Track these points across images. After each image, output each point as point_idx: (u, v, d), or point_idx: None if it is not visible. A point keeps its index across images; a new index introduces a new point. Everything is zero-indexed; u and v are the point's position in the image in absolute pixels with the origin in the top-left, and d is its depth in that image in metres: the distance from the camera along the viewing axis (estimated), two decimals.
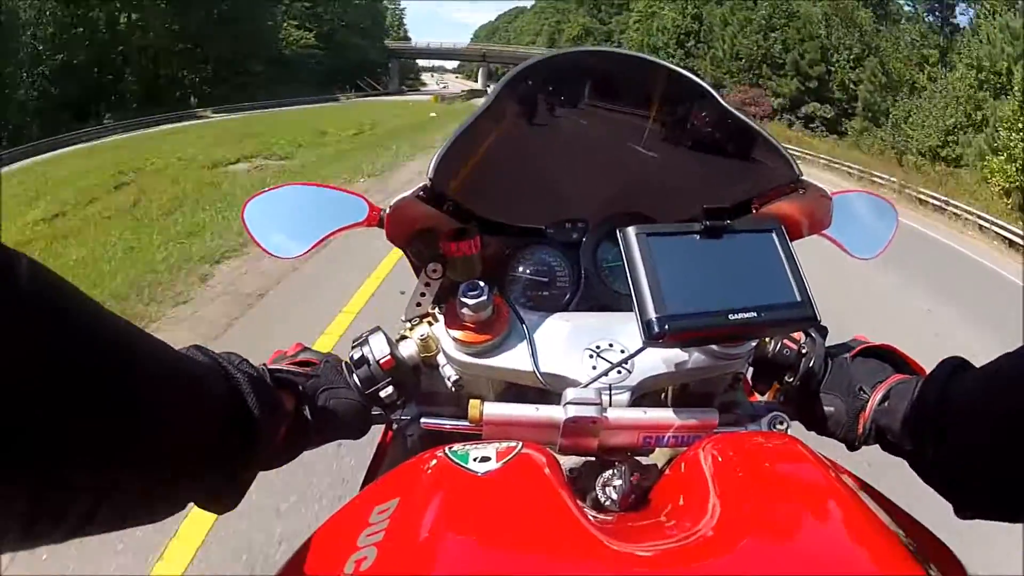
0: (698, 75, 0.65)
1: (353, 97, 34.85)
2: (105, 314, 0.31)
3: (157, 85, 25.70)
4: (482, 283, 0.56)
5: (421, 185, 0.59)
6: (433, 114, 22.31)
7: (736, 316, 0.49)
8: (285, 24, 34.55)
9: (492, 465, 0.43)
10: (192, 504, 0.40)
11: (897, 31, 22.86)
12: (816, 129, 23.82)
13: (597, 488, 0.51)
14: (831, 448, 0.61)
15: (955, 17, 21.75)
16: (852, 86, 22.77)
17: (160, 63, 25.93)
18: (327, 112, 23.80)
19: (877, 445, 0.57)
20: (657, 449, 0.57)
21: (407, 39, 60.62)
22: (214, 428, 0.39)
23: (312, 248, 0.65)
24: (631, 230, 0.50)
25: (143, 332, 0.34)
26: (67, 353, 0.27)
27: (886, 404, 0.55)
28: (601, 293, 0.71)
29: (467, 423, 0.54)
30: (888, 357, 0.61)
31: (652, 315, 0.47)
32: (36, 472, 0.26)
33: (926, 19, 22.69)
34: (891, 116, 20.61)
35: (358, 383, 0.58)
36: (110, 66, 23.68)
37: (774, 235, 0.54)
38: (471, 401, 0.53)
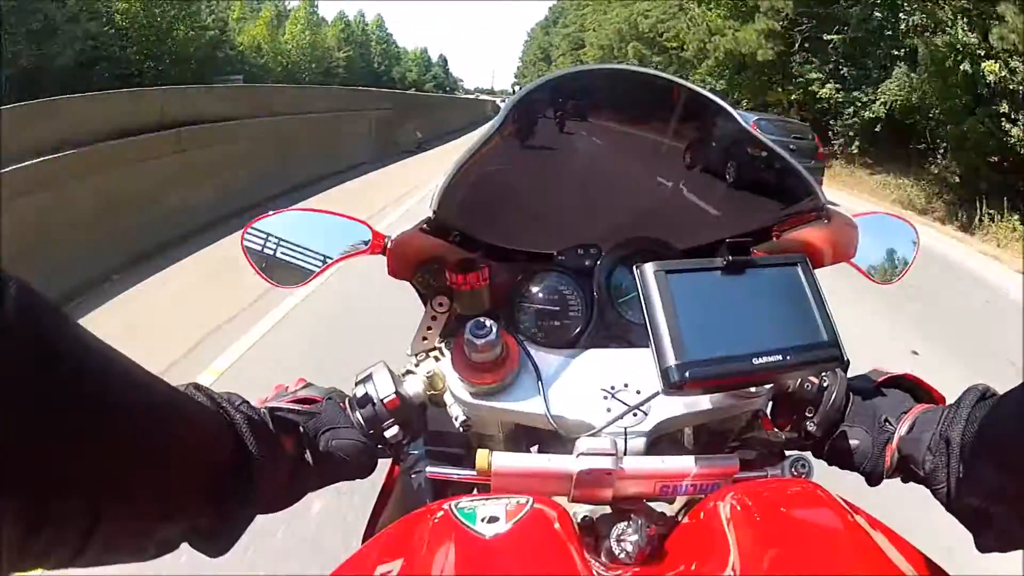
0: (717, 94, 0.62)
1: None
2: (101, 346, 0.30)
3: None
4: (490, 321, 0.53)
5: (425, 218, 0.56)
6: None
7: (761, 360, 0.46)
8: None
9: (501, 527, 0.40)
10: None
11: None
12: None
13: (612, 540, 0.48)
14: (852, 481, 0.59)
15: None
16: None
17: None
18: None
19: (899, 478, 0.55)
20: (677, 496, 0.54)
21: None
22: (211, 470, 0.39)
23: (312, 279, 0.63)
24: (649, 267, 0.47)
25: (140, 367, 0.33)
26: (60, 384, 0.26)
27: (911, 434, 0.53)
28: (614, 322, 0.68)
29: (475, 473, 0.51)
30: (910, 387, 0.59)
31: (672, 362, 0.44)
32: (26, 501, 0.26)
33: None
34: None
35: (361, 422, 0.55)
36: None
37: (799, 268, 0.51)
38: (479, 451, 0.50)
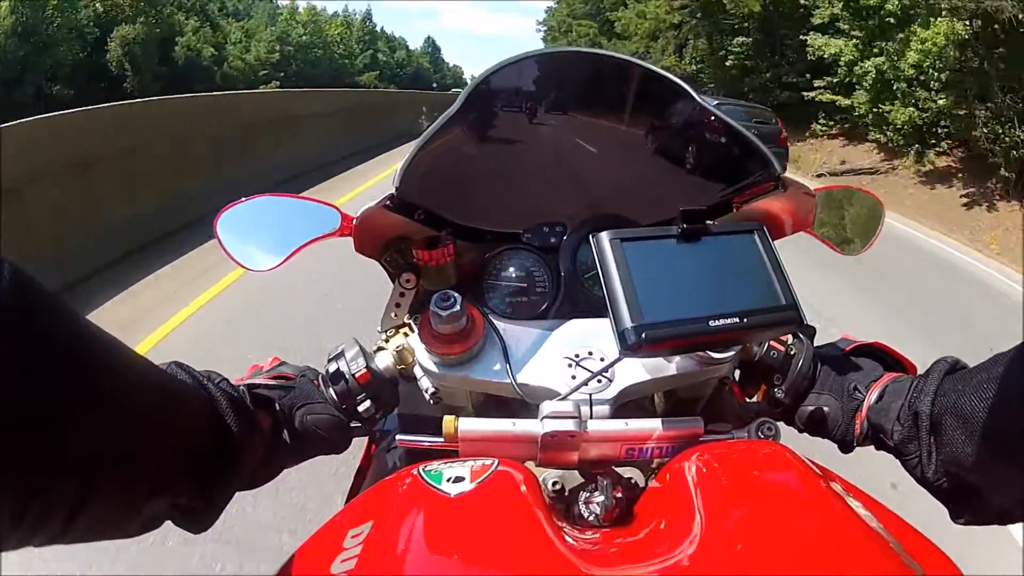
0: (673, 73, 0.64)
1: None
2: (87, 326, 0.31)
3: None
4: (454, 293, 0.54)
5: (388, 194, 0.57)
6: None
7: (718, 322, 0.47)
8: None
9: (465, 486, 0.41)
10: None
11: None
12: None
13: (580, 504, 0.49)
14: (820, 447, 0.60)
15: None
16: None
17: None
18: None
19: (871, 446, 0.56)
20: (643, 459, 0.55)
21: None
22: (193, 447, 0.40)
23: (285, 261, 0.64)
24: (604, 236, 0.48)
25: (125, 346, 0.33)
26: (44, 363, 0.27)
27: (880, 403, 0.53)
28: (581, 298, 0.69)
29: (443, 440, 0.52)
30: (879, 355, 0.60)
31: (628, 324, 0.45)
32: (14, 481, 0.26)
33: None
34: None
35: (335, 397, 0.56)
36: None
37: (755, 236, 0.52)
38: (445, 417, 0.51)
